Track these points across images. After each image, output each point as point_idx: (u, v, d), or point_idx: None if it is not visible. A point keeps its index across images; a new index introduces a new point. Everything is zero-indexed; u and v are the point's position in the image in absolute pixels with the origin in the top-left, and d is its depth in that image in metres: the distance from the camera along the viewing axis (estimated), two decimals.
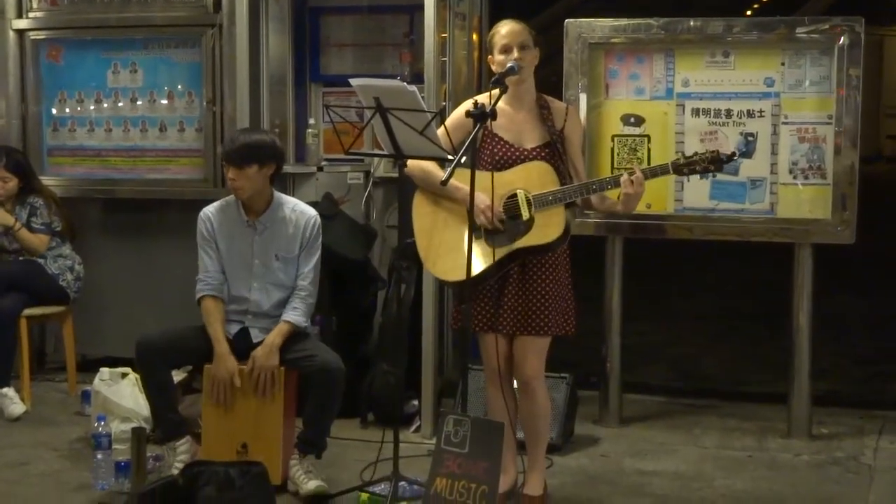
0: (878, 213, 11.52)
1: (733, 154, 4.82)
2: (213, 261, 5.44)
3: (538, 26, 4.99)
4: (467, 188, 4.59)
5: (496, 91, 4.64)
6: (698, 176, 5.65)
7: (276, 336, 5.30)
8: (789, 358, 6.13)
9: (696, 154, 4.78)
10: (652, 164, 5.44)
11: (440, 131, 4.75)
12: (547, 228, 4.75)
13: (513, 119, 4.88)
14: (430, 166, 4.89)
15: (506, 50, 4.81)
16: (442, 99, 6.02)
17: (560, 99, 5.41)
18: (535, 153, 4.84)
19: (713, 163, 4.73)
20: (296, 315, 5.37)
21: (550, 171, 4.80)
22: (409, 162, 4.89)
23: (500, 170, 4.81)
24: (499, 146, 4.86)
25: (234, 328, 5.42)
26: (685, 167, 4.77)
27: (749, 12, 20.42)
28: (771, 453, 5.90)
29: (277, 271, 5.41)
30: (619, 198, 4.77)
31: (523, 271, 4.85)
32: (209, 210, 5.49)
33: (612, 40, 6.11)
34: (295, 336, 5.34)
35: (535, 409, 4.99)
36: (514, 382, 5.03)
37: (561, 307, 4.89)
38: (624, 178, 4.71)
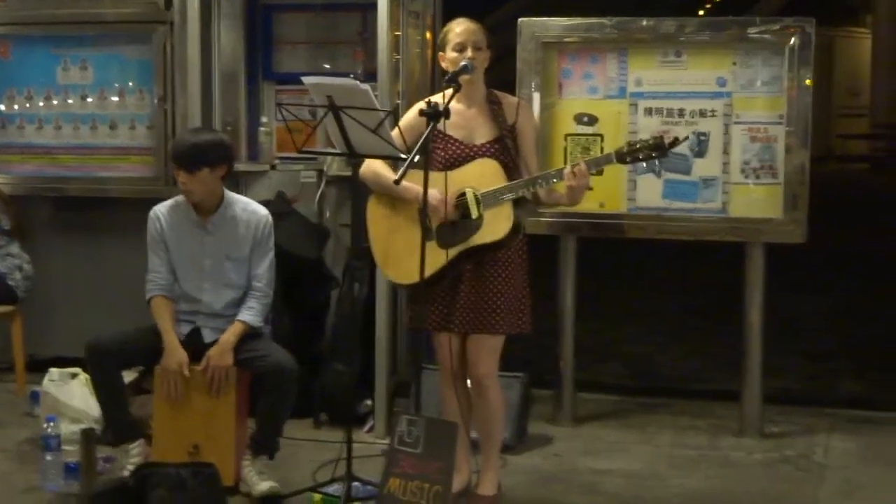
0: (828, 212, 11.62)
1: (676, 139, 4.76)
2: (163, 261, 5.39)
3: (490, 25, 4.99)
4: (419, 187, 4.58)
5: (449, 90, 4.63)
6: (652, 173, 5.66)
7: (230, 335, 5.26)
8: (741, 356, 6.16)
9: (639, 141, 4.77)
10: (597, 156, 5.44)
11: (394, 132, 4.74)
12: (495, 225, 4.74)
13: (464, 116, 4.87)
14: (381, 168, 4.87)
15: (460, 48, 4.81)
16: (395, 97, 6.00)
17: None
18: (484, 149, 4.84)
19: (656, 149, 4.70)
20: (251, 315, 5.33)
21: (497, 167, 4.80)
22: (362, 167, 4.88)
23: (451, 168, 4.80)
24: (450, 144, 4.85)
25: (186, 328, 5.38)
26: (628, 155, 4.74)
27: (701, 12, 20.56)
28: (723, 452, 5.93)
29: (229, 271, 5.37)
30: (564, 191, 4.78)
31: (477, 269, 4.84)
32: (159, 209, 5.44)
33: (566, 39, 6.12)
34: (248, 336, 5.30)
35: (489, 409, 4.98)
36: (469, 382, 5.03)
37: (515, 306, 4.88)
38: (567, 170, 4.71)
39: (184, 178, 5.23)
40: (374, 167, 4.90)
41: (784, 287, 7.77)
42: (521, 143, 4.92)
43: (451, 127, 4.84)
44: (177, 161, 5.25)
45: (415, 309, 4.86)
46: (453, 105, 4.76)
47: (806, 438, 6.13)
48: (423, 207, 4.57)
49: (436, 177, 4.66)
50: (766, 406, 6.20)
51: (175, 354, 5.23)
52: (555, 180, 4.78)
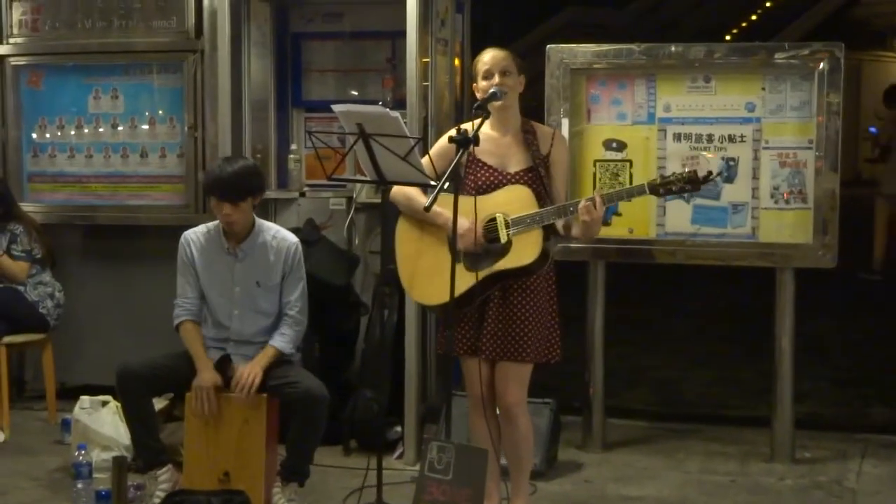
0: (857, 236, 11.58)
1: (709, 174, 4.76)
2: (192, 286, 5.42)
3: (519, 51, 5.01)
4: (449, 213, 4.59)
5: (479, 118, 4.65)
6: (681, 198, 5.66)
7: (262, 356, 5.29)
8: (772, 381, 6.13)
9: (672, 174, 4.77)
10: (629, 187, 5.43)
11: (424, 160, 4.75)
12: (523, 251, 4.75)
13: (498, 144, 4.89)
14: (414, 192, 4.89)
15: (488, 76, 4.83)
16: (424, 124, 6.02)
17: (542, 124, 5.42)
18: (517, 177, 4.85)
19: (689, 182, 4.70)
20: (283, 341, 5.35)
21: (530, 194, 4.80)
22: (394, 188, 4.90)
23: (483, 194, 4.81)
24: (482, 171, 4.86)
25: (216, 355, 5.39)
26: (661, 187, 4.75)
27: (729, 37, 20.57)
28: (754, 478, 5.89)
29: (258, 298, 5.39)
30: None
31: (505, 296, 4.84)
32: (190, 235, 5.48)
33: (594, 66, 6.13)
34: (278, 363, 5.31)
35: (518, 436, 4.97)
36: (497, 409, 5.02)
37: (544, 334, 4.88)
38: (581, 204, 4.71)
39: (228, 209, 5.24)
40: (405, 191, 4.92)
41: (814, 312, 7.73)
42: (552, 173, 4.92)
43: (484, 154, 4.86)
44: (220, 193, 5.24)
45: (444, 334, 4.86)
46: (488, 132, 4.79)
47: (838, 464, 6.09)
48: (454, 233, 4.58)
49: (465, 201, 4.67)
50: (797, 431, 6.16)
51: (208, 372, 5.26)
52: (554, 215, 4.79)
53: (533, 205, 4.77)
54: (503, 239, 4.75)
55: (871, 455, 6.22)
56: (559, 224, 4.86)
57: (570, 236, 4.98)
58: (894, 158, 11.90)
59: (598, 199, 4.69)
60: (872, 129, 13.27)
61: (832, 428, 6.71)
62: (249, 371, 5.21)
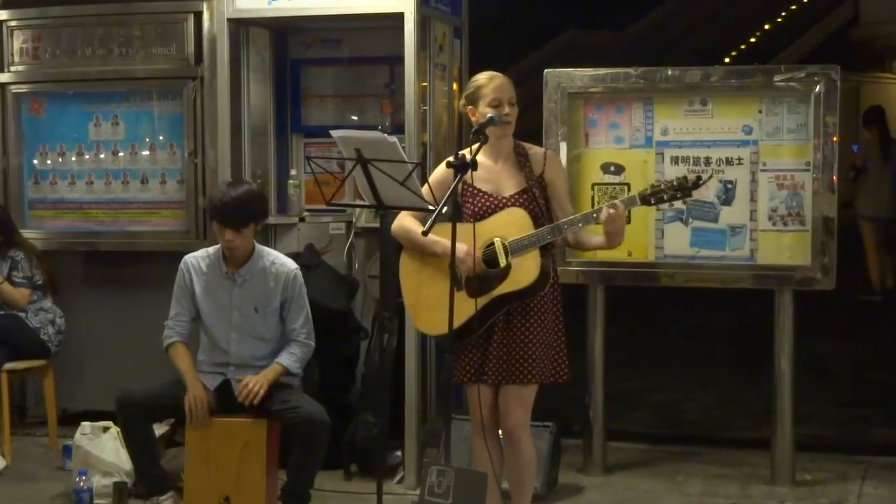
0: (856, 258, 11.59)
1: (699, 178, 4.76)
2: (185, 310, 5.48)
3: (517, 75, 5.02)
4: (446, 241, 4.59)
5: (478, 142, 4.68)
6: (679, 220, 5.69)
7: (268, 371, 5.32)
8: (772, 403, 6.14)
9: (662, 182, 4.78)
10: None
11: (424, 189, 4.77)
12: (522, 273, 4.75)
13: (490, 170, 4.90)
14: (411, 224, 4.89)
15: (496, 104, 4.82)
16: (422, 149, 6.05)
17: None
18: (512, 200, 4.86)
19: (679, 190, 4.72)
20: (290, 360, 5.38)
21: (525, 216, 4.81)
22: (393, 224, 4.94)
23: (480, 220, 4.83)
24: (478, 198, 4.88)
25: (216, 380, 5.41)
26: (652, 196, 4.75)
27: (728, 60, 20.62)
28: (755, 500, 5.90)
29: (257, 324, 5.41)
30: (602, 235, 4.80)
31: (508, 319, 4.84)
32: (190, 259, 5.51)
33: (591, 89, 6.16)
34: (279, 387, 5.32)
35: (520, 460, 4.97)
36: (500, 432, 5.02)
37: (549, 354, 4.88)
38: (603, 214, 4.70)
39: (230, 235, 5.27)
40: (404, 223, 4.93)
41: (815, 334, 7.74)
42: (552, 193, 4.93)
43: (479, 181, 4.88)
44: (223, 220, 5.27)
45: (448, 360, 4.86)
46: (481, 159, 4.80)
47: (839, 486, 6.09)
48: (452, 260, 4.59)
49: (464, 228, 4.69)
50: (797, 453, 6.16)
51: (198, 389, 5.29)
52: (580, 225, 4.80)
53: (529, 226, 4.79)
54: (502, 263, 4.77)
55: (871, 477, 6.22)
56: (570, 240, 4.88)
57: (594, 248, 5.01)
58: (869, 179, 11.91)
59: (620, 205, 4.70)
60: (855, 147, 13.28)
61: (833, 450, 6.70)
62: (256, 381, 5.23)
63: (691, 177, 4.75)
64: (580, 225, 4.80)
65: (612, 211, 4.69)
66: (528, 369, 4.84)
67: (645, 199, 4.76)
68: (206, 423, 5.25)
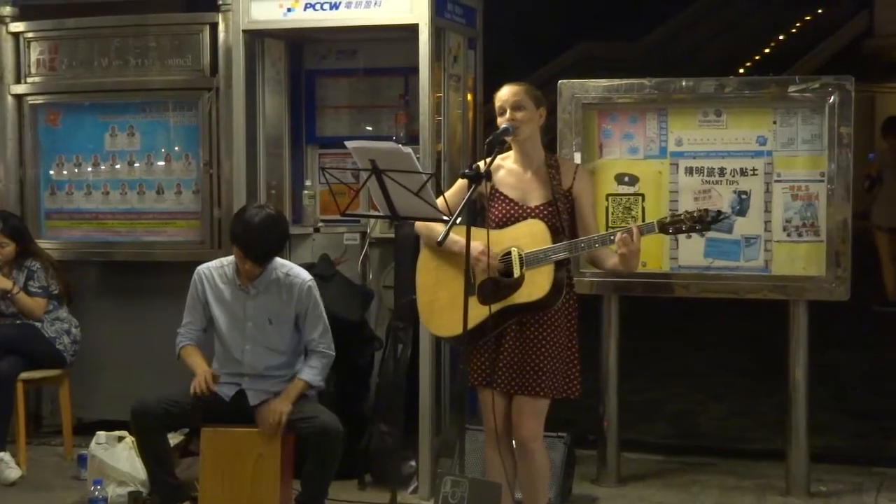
0: (871, 268, 11.57)
1: (719, 213, 4.76)
2: (197, 320, 5.53)
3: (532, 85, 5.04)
4: (464, 241, 4.61)
5: (495, 152, 4.70)
6: (689, 235, 5.69)
7: (291, 390, 5.35)
8: (786, 414, 6.12)
9: (683, 213, 4.78)
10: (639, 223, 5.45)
11: (439, 201, 4.78)
12: (535, 286, 4.76)
13: (520, 178, 4.93)
14: (435, 223, 4.90)
15: (501, 112, 4.87)
16: (437, 159, 6.06)
17: None
18: (537, 211, 4.87)
19: (699, 222, 4.70)
20: (312, 374, 5.41)
21: (544, 229, 4.83)
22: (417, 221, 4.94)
23: (504, 227, 4.84)
24: (504, 204, 4.90)
25: (231, 390, 5.42)
26: (671, 226, 4.76)
27: (742, 70, 20.62)
28: None
29: (271, 335, 5.43)
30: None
31: (521, 329, 4.85)
32: (204, 270, 5.54)
33: (606, 100, 6.16)
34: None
35: (533, 471, 4.97)
36: (514, 442, 5.03)
37: (560, 369, 4.88)
38: (617, 237, 4.71)
39: (250, 266, 5.33)
40: (427, 222, 4.96)
41: (830, 345, 7.72)
42: (578, 208, 4.95)
43: (507, 187, 4.91)
44: (245, 250, 5.32)
45: (462, 367, 4.87)
46: (511, 166, 4.86)
47: (854, 497, 6.07)
48: (467, 263, 4.60)
49: (479, 234, 4.70)
50: (812, 465, 6.14)
51: (202, 369, 5.36)
52: (597, 245, 4.81)
53: (547, 240, 4.80)
54: (516, 273, 4.78)
55: (887, 488, 6.19)
56: (586, 257, 4.92)
57: (609, 269, 5.01)
58: (884, 189, 11.88)
59: (635, 231, 4.70)
60: (872, 156, 13.26)
61: (848, 461, 6.68)
62: (280, 411, 5.24)
63: (712, 211, 4.75)
64: (597, 245, 4.81)
65: (625, 235, 4.69)
66: (539, 382, 4.84)
67: (663, 228, 4.76)
68: (210, 389, 5.30)
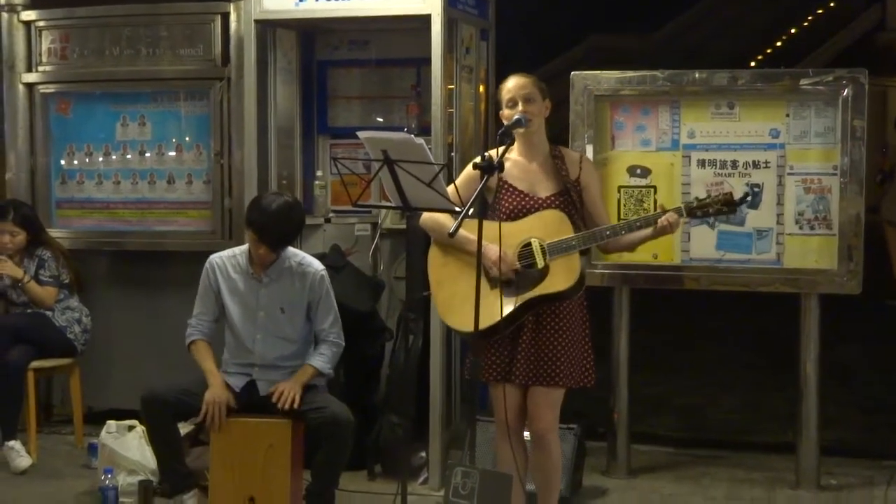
0: (883, 262, 11.52)
1: (746, 195, 4.82)
2: (208, 310, 5.51)
3: (543, 78, 5.03)
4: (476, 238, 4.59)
5: (504, 144, 4.68)
6: (706, 223, 5.69)
7: (300, 374, 5.35)
8: (797, 407, 6.11)
9: (709, 196, 4.83)
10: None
11: (449, 189, 4.77)
12: (561, 276, 4.76)
13: (527, 169, 4.92)
14: (443, 218, 4.89)
15: (511, 104, 4.86)
16: (449, 151, 6.05)
17: None
18: (549, 202, 4.87)
19: (726, 205, 4.78)
20: (321, 361, 5.41)
21: (564, 218, 4.82)
22: (424, 215, 4.93)
23: (514, 219, 4.83)
24: (513, 196, 4.89)
25: (241, 381, 5.42)
26: (698, 210, 4.81)
27: (754, 63, 20.57)
28: None
29: (282, 324, 5.42)
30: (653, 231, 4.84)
31: (538, 321, 4.84)
32: (216, 259, 5.53)
33: (618, 92, 6.15)
34: (304, 388, 5.33)
35: (548, 463, 4.97)
36: (525, 434, 5.02)
37: (577, 359, 4.87)
38: (662, 220, 4.77)
39: (265, 251, 5.33)
40: (435, 217, 4.94)
41: (841, 338, 7.70)
42: (586, 198, 4.95)
43: (514, 179, 4.90)
44: (261, 236, 5.32)
45: (472, 359, 4.87)
46: (516, 158, 4.86)
47: (864, 491, 6.06)
48: (478, 258, 4.58)
49: (491, 227, 4.69)
50: (823, 458, 6.13)
51: (220, 389, 5.31)
52: (624, 232, 4.83)
53: (568, 229, 4.80)
54: (540, 264, 4.77)
55: None
56: (599, 244, 4.92)
57: (605, 251, 5.04)
58: (895, 184, 11.83)
59: (675, 215, 4.77)
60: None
61: (858, 454, 6.68)
62: (290, 388, 5.24)
63: (737, 193, 4.77)
64: (639, 226, 4.82)
65: (675, 216, 4.78)
66: (556, 372, 4.84)
67: (691, 213, 4.84)
68: (222, 426, 5.27)
